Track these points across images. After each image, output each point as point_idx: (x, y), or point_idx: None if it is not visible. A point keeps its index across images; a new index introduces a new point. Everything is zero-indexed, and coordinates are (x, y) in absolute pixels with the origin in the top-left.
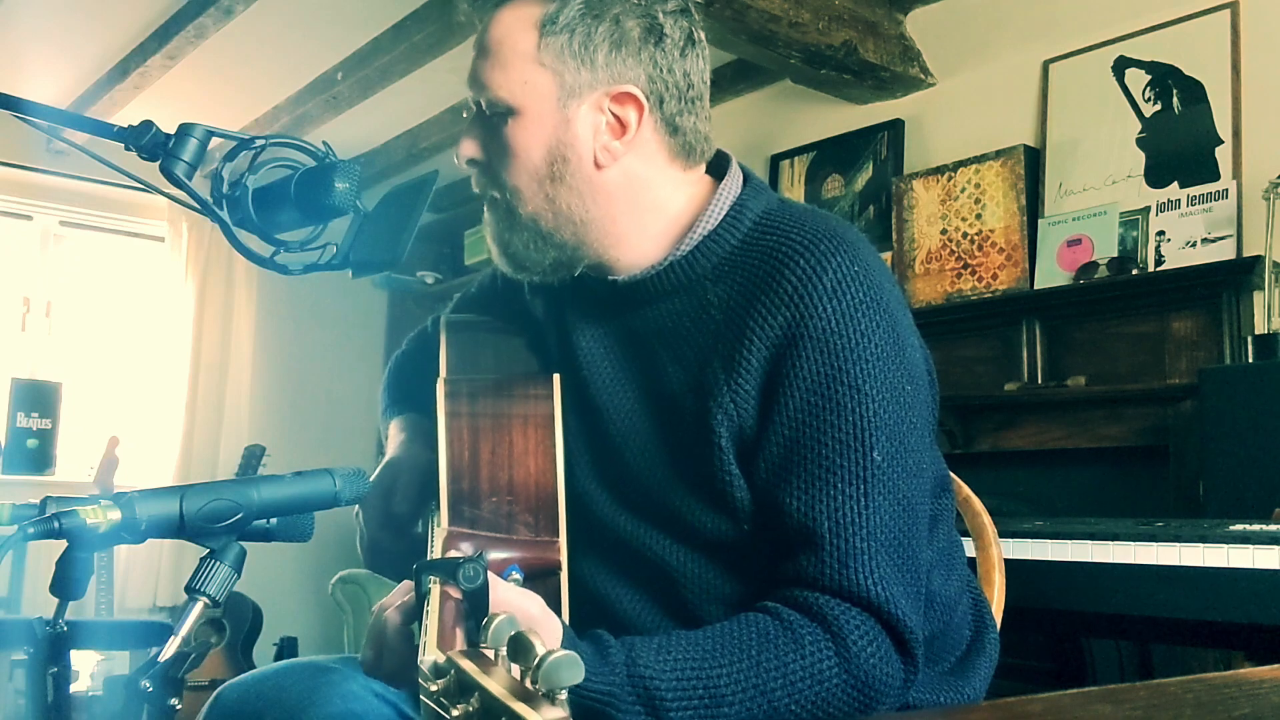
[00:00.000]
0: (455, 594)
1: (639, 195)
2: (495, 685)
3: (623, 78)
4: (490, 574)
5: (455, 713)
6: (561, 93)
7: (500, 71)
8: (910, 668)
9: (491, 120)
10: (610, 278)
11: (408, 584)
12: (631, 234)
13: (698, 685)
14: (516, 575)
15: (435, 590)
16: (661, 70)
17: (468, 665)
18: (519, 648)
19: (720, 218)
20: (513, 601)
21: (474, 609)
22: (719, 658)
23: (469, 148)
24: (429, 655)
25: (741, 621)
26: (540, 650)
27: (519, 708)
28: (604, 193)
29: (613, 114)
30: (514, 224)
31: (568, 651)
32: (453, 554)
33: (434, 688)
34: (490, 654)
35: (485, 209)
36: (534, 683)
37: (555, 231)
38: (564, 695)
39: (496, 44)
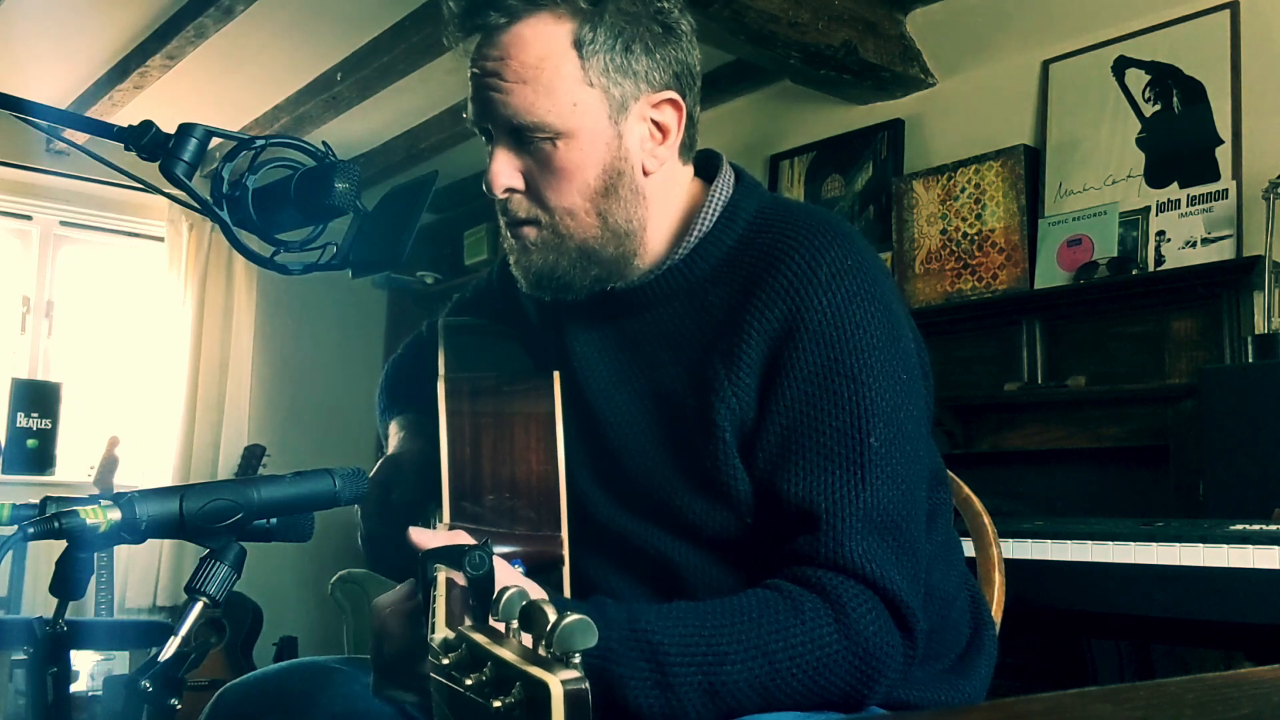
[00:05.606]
0: (461, 581)
1: (665, 195)
2: (508, 653)
3: (659, 82)
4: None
5: (468, 682)
6: (611, 109)
7: (546, 97)
8: (909, 643)
9: (531, 145)
10: (608, 285)
11: (409, 585)
12: (653, 236)
13: (700, 643)
14: (519, 569)
15: (441, 577)
16: (683, 67)
17: (479, 637)
18: (531, 616)
19: (715, 218)
20: (509, 581)
21: (480, 595)
22: (721, 619)
23: (510, 178)
24: (439, 633)
25: (744, 594)
26: (553, 617)
27: (534, 671)
28: (645, 198)
29: (652, 120)
30: (561, 245)
31: (581, 616)
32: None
33: (445, 661)
34: (501, 628)
35: (514, 233)
36: (548, 648)
37: (603, 247)
38: (578, 659)
39: (533, 69)
